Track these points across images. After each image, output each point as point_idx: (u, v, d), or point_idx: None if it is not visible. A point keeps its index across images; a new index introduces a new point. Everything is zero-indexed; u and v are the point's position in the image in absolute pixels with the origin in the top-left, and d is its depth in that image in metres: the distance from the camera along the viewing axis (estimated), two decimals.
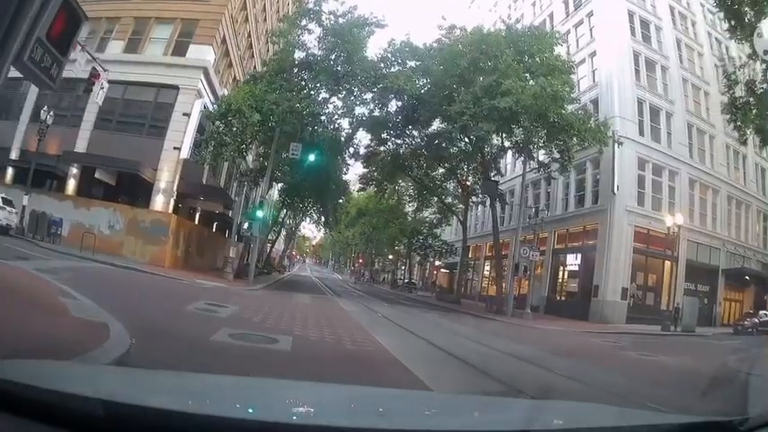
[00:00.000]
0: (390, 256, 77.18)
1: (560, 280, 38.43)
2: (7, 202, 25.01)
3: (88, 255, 22.16)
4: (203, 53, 30.28)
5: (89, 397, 1.73)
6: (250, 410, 2.18)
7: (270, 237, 50.03)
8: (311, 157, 29.31)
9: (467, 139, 32.55)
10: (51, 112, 29.06)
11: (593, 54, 38.36)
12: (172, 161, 28.68)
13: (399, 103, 32.66)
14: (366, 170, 40.64)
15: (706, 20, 40.37)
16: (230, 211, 34.00)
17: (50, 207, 27.02)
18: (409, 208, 55.01)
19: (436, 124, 35.05)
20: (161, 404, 1.89)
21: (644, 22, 38.23)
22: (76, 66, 26.21)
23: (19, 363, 2.63)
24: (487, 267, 47.33)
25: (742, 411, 2.48)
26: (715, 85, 36.92)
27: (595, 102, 36.30)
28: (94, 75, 23.57)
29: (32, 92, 30.57)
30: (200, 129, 31.32)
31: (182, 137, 28.92)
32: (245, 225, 29.44)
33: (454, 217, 48.20)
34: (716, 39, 40.20)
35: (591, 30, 39.28)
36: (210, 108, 29.52)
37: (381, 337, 12.15)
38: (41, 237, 25.14)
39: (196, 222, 36.15)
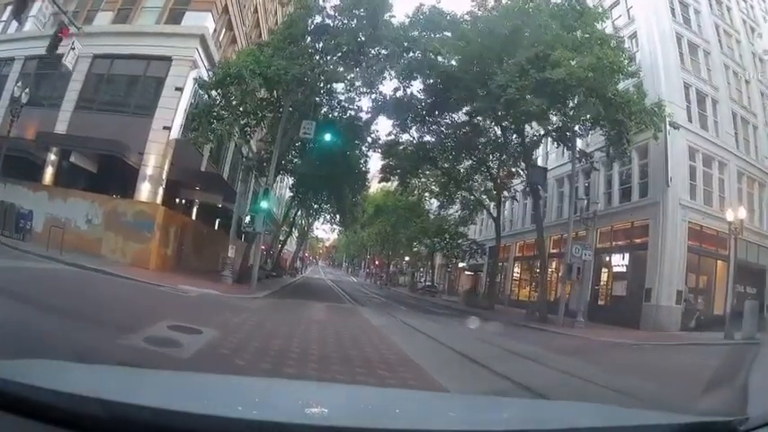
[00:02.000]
0: (407, 258, 73.47)
1: (604, 283, 34.52)
2: None
3: (56, 253, 18.96)
4: (201, 19, 26.13)
5: (89, 397, 1.71)
6: (250, 410, 2.19)
7: (280, 237, 45.57)
8: (327, 137, 24.96)
9: (503, 124, 29.50)
10: (27, 90, 25.72)
11: (632, 36, 34.86)
12: (160, 143, 24.54)
13: (429, 81, 28.14)
14: (386, 161, 36.04)
15: (739, 6, 38.48)
16: (233, 205, 29.70)
17: (23, 198, 23.80)
18: (431, 205, 50.46)
19: (461, 114, 31.76)
20: (161, 404, 1.85)
21: (683, 4, 35.18)
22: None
23: (19, 363, 2.47)
24: (517, 269, 43.66)
25: (742, 411, 2.39)
26: (754, 73, 35.71)
27: (638, 86, 32.12)
28: (61, 30, 19.45)
29: (14, 72, 28.27)
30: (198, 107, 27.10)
31: (173, 115, 24.74)
32: (247, 219, 25.04)
33: (478, 215, 44.73)
34: (750, 27, 38.30)
35: (628, 11, 36.00)
36: (206, 77, 25.16)
37: (446, 378, 7.94)
38: (9, 232, 22.20)
39: (193, 217, 31.97)
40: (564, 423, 2.49)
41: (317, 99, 26.66)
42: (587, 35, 25.56)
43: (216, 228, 37.47)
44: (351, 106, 28.17)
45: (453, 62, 27.36)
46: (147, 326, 8.74)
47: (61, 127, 26.05)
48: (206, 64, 26.12)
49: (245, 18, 31.93)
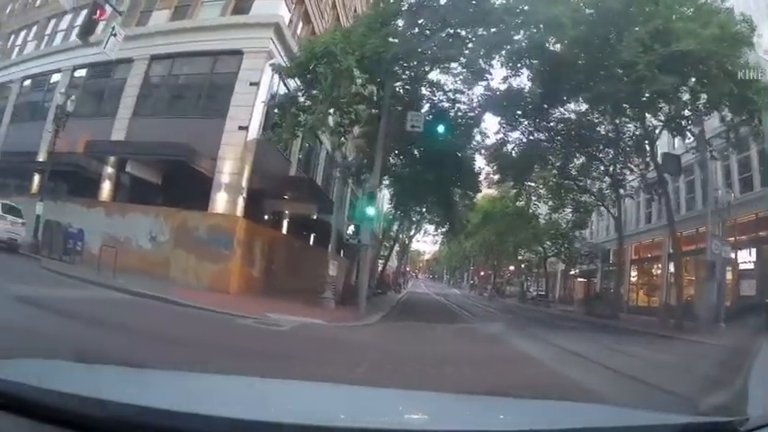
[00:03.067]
0: (512, 267, 69.39)
1: (729, 282, 29.89)
2: (11, 210, 20.63)
3: (109, 277, 16.09)
4: (273, 7, 22.39)
5: (89, 397, 1.72)
6: (250, 410, 2.11)
7: (382, 252, 41.33)
8: (440, 129, 20.70)
9: (621, 114, 25.55)
10: (72, 97, 23.28)
11: None
12: (237, 146, 20.65)
13: (539, 68, 23.91)
14: (495, 163, 31.65)
15: None
16: (329, 216, 25.48)
17: (76, 217, 21.09)
18: (539, 209, 45.94)
19: (572, 107, 28.02)
20: (161, 404, 1.84)
21: None
22: None
23: (19, 363, 2.54)
24: (633, 273, 39.50)
25: (742, 411, 2.27)
26: None
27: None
28: (96, 11, 16.44)
29: (61, 85, 25.88)
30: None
31: (249, 113, 20.84)
32: (350, 230, 20.67)
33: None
34: None
35: None
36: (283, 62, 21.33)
37: None
38: (58, 254, 19.36)
39: (283, 231, 27.50)
40: (564, 423, 2.41)
41: (421, 90, 22.53)
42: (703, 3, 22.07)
43: (310, 243, 33.12)
44: (459, 98, 23.88)
45: (561, 45, 23.33)
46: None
47: (118, 136, 22.83)
48: (283, 56, 22.26)
49: (323, 11, 28.16)
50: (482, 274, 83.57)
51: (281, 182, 23.91)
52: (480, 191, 33.93)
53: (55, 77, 27.93)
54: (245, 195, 20.60)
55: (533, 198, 41.93)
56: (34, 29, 32.51)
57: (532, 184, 37.71)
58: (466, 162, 27.30)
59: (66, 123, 22.36)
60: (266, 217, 24.81)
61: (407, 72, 22.15)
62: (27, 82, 30.35)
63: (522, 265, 65.01)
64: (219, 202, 20.20)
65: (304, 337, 12.25)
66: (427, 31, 20.97)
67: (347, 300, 20.86)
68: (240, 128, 20.64)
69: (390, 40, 19.92)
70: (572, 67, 22.73)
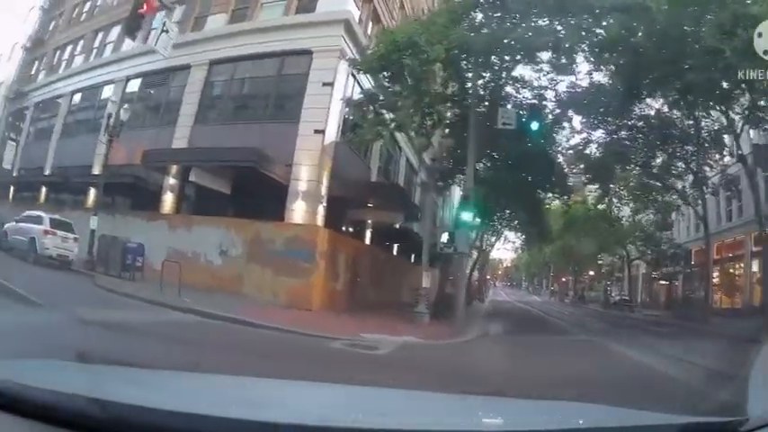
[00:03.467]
0: (591, 272, 67.30)
1: None
2: (60, 224, 19.58)
3: (173, 295, 14.42)
4: (340, 4, 20.74)
5: (89, 397, 1.71)
6: (249, 411, 2.07)
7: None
8: (534, 125, 18.78)
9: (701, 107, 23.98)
10: (126, 106, 22.48)
11: None
12: (313, 150, 18.96)
13: (621, 62, 21.91)
14: (577, 165, 29.73)
15: None
16: (411, 224, 23.64)
17: (136, 231, 19.66)
18: (621, 211, 44.30)
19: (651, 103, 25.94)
20: (161, 404, 1.84)
21: None
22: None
23: (19, 363, 2.60)
24: (715, 274, 37.00)
25: (742, 411, 2.28)
26: None
27: None
28: (142, 5, 15.31)
29: (114, 96, 25.30)
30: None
31: (325, 115, 19.13)
32: (444, 238, 18.81)
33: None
34: None
35: None
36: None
37: None
38: (116, 270, 17.99)
39: (365, 241, 25.54)
40: (564, 423, 2.44)
41: (504, 87, 20.77)
42: None
43: (393, 252, 31.22)
44: (544, 95, 21.92)
45: (643, 35, 21.38)
46: None
47: (179, 145, 21.44)
48: (355, 55, 20.64)
49: (391, 10, 26.49)
50: (563, 280, 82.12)
51: (364, 189, 22.18)
52: (572, 194, 31.86)
53: (107, 89, 26.78)
54: (324, 204, 18.87)
55: (614, 200, 40.19)
56: (81, 43, 31.51)
57: (615, 186, 35.70)
58: (556, 163, 25.29)
59: (120, 134, 21.04)
60: (347, 226, 23.03)
61: (492, 67, 20.35)
62: (77, 95, 29.38)
63: (602, 270, 63.44)
64: (297, 211, 18.50)
65: (407, 362, 10.43)
66: (508, 23, 19.16)
67: (439, 312, 18.95)
68: (316, 131, 18.99)
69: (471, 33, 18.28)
70: (655, 57, 20.82)
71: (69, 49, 32.62)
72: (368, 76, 20.08)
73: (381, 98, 18.84)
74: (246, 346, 9.68)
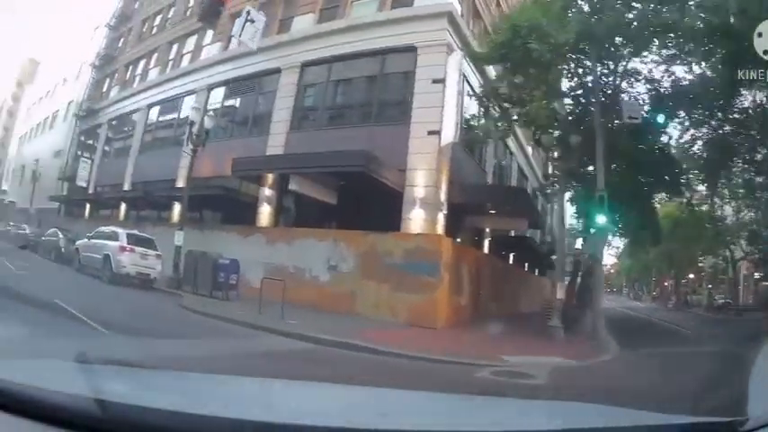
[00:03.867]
0: (691, 276, 64.88)
1: None
2: (140, 240, 18.40)
3: (275, 317, 12.74)
4: None
5: (89, 397, 1.69)
6: (249, 411, 2.07)
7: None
8: (659, 119, 16.70)
9: None
10: (211, 112, 21.48)
11: None
12: (430, 153, 17.14)
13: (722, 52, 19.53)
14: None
15: None
16: (537, 232, 21.69)
17: (230, 246, 18.36)
18: (725, 210, 42.14)
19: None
20: (161, 404, 1.84)
21: None
22: None
23: (19, 363, 2.57)
24: None
25: (742, 411, 2.19)
26: None
27: None
28: None
29: (197, 106, 23.30)
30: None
31: (438, 114, 17.31)
32: (578, 243, 16.88)
33: None
34: None
35: None
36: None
37: None
38: (206, 289, 16.61)
39: (485, 250, 23.62)
40: (564, 423, 2.44)
41: (618, 81, 18.68)
42: None
43: (509, 261, 29.48)
44: (656, 87, 19.67)
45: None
46: None
47: (274, 153, 19.82)
48: (460, 48, 18.86)
49: (489, 5, 24.59)
50: (664, 284, 78.91)
51: (485, 194, 20.30)
52: (689, 195, 29.53)
53: (187, 100, 25.68)
54: (445, 211, 17.01)
55: (717, 199, 38.17)
56: (155, 56, 30.71)
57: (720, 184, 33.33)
58: (676, 161, 22.95)
59: (205, 143, 19.59)
60: (465, 235, 21.14)
61: (615, 55, 18.33)
62: (154, 109, 28.46)
63: (702, 273, 61.29)
64: (415, 220, 16.66)
65: (572, 391, 8.41)
66: (629, 5, 17.11)
67: (568, 325, 16.96)
68: (430, 132, 17.20)
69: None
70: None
71: (142, 63, 31.97)
72: (475, 70, 18.25)
73: (504, 91, 16.89)
74: (376, 380, 7.70)
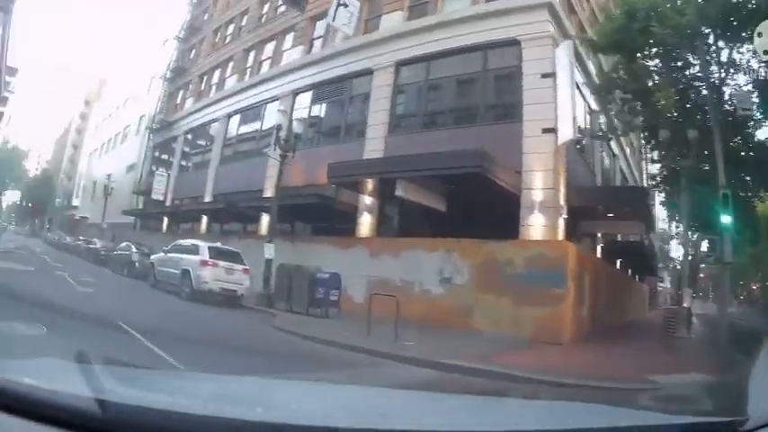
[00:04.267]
0: None
1: None
2: (224, 254, 17.14)
3: (387, 339, 11.04)
4: None
5: (89, 397, 1.66)
6: (250, 410, 2.12)
7: None
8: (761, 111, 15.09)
9: None
10: (299, 117, 20.79)
11: None
12: (546, 153, 15.82)
13: None
14: None
15: None
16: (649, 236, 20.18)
17: (325, 258, 17.16)
18: None
19: None
20: (161, 404, 1.83)
21: None
22: None
23: (19, 363, 2.48)
24: None
25: (742, 411, 2.11)
26: None
27: None
28: None
29: (282, 112, 21.68)
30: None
31: (552, 111, 16.03)
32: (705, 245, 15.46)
33: None
34: None
35: None
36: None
37: None
38: (302, 306, 15.33)
39: (599, 257, 22.23)
40: (564, 423, 2.41)
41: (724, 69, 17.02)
42: None
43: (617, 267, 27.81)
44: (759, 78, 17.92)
45: None
46: None
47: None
48: (568, 38, 17.55)
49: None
50: (753, 287, 75.75)
51: (602, 196, 18.89)
52: None
53: (269, 107, 25.06)
54: (565, 216, 15.65)
55: None
56: (230, 64, 30.32)
57: None
58: None
59: (295, 149, 18.18)
60: (580, 241, 19.74)
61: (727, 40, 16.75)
62: (235, 118, 27.93)
63: None
64: (534, 226, 15.37)
65: None
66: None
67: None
68: (545, 130, 15.88)
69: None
70: None
71: (218, 72, 31.58)
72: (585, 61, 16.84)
73: (623, 81, 15.46)
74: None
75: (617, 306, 22.35)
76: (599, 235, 21.08)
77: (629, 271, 30.24)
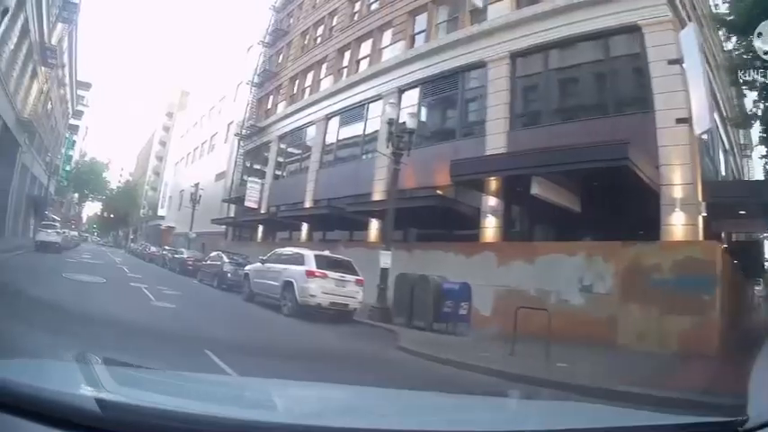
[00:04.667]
0: None
1: None
2: (333, 264, 15.65)
3: (535, 360, 9.93)
4: None
5: (89, 397, 1.68)
6: (250, 410, 2.15)
7: None
8: None
9: None
10: (411, 111, 20.02)
11: None
12: (681, 145, 14.79)
13: None
14: None
15: None
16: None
17: (447, 267, 16.11)
18: None
19: None
20: (161, 404, 1.84)
21: None
22: None
23: (19, 363, 2.54)
24: None
25: (742, 411, 2.12)
26: None
27: None
28: None
29: (391, 109, 20.84)
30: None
31: (683, 99, 14.96)
32: None
33: None
34: None
35: None
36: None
37: None
38: (426, 322, 14.27)
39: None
40: (564, 423, 2.43)
41: None
42: None
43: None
44: None
45: None
46: None
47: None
48: (692, 21, 16.57)
49: None
50: None
51: (736, 191, 17.52)
52: None
53: (372, 107, 24.82)
54: (704, 214, 14.61)
55: None
56: (324, 66, 30.40)
57: None
58: None
59: (411, 147, 17.26)
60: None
61: None
62: (334, 119, 27.83)
63: None
64: (676, 226, 14.38)
65: None
66: None
67: None
68: (678, 121, 14.88)
69: None
70: None
71: (311, 74, 31.66)
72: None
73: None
74: None
75: (742, 311, 20.84)
76: (722, 234, 19.62)
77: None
